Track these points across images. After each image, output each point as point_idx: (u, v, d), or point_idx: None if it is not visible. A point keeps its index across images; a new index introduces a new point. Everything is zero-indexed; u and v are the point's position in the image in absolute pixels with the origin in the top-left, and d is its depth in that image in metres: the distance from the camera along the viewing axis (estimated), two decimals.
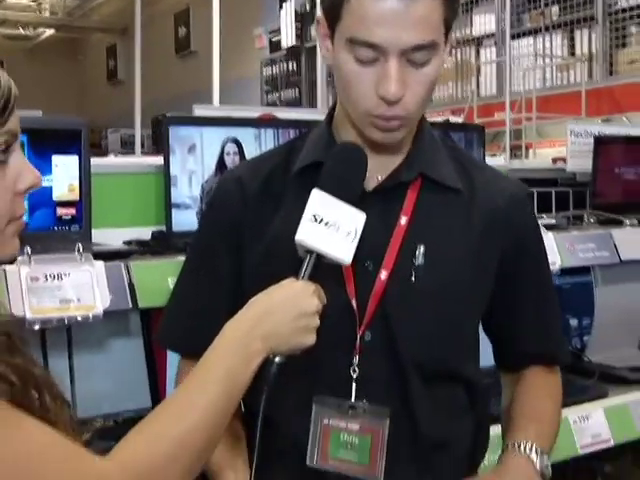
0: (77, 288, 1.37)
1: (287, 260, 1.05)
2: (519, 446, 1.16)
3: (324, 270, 1.05)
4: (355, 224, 1.05)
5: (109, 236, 1.67)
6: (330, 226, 1.04)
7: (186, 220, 1.71)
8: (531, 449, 1.16)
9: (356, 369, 1.14)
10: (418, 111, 1.13)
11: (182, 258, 1.52)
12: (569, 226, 2.24)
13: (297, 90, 9.81)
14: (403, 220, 1.16)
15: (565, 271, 2.03)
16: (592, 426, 1.79)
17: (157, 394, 1.67)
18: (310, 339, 1.01)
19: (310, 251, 1.03)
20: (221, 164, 1.77)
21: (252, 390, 0.98)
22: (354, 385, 1.14)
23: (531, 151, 6.73)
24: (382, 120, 1.10)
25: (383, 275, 1.15)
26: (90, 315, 1.37)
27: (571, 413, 1.78)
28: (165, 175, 1.72)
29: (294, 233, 1.02)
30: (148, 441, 0.86)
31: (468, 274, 1.17)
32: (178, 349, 1.26)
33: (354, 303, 1.15)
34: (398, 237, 1.15)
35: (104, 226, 1.69)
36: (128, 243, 1.65)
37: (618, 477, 2.16)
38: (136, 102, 4.63)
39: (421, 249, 1.15)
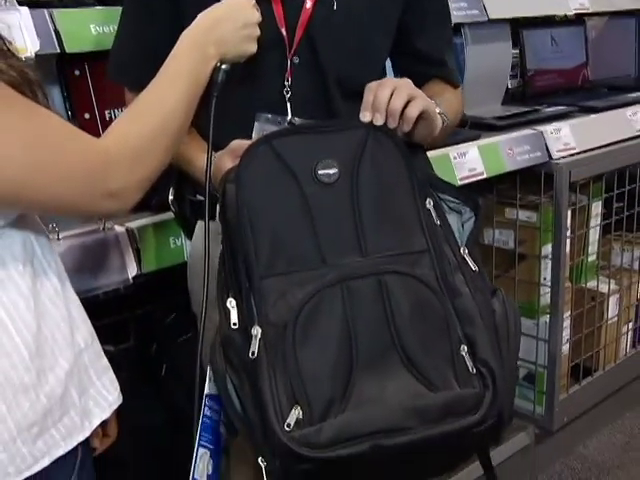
0: (7, 31, 1.42)
1: None
2: None
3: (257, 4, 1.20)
4: None
5: None
6: None
7: None
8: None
9: (289, 90, 1.31)
10: None
11: (103, 7, 1.60)
12: None
13: None
14: None
15: None
16: (469, 161, 2.04)
17: None
18: (253, 47, 1.17)
19: None
20: None
21: (200, 115, 1.13)
22: (289, 105, 1.31)
23: None
24: None
25: (308, 4, 1.30)
26: (23, 57, 1.43)
27: (451, 151, 2.02)
28: None
29: None
30: (136, 123, 1.01)
31: (381, 1, 1.34)
32: (126, 82, 1.37)
33: (284, 31, 1.30)
34: None
35: None
36: None
37: (484, 212, 2.46)
38: None
39: None
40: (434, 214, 1.23)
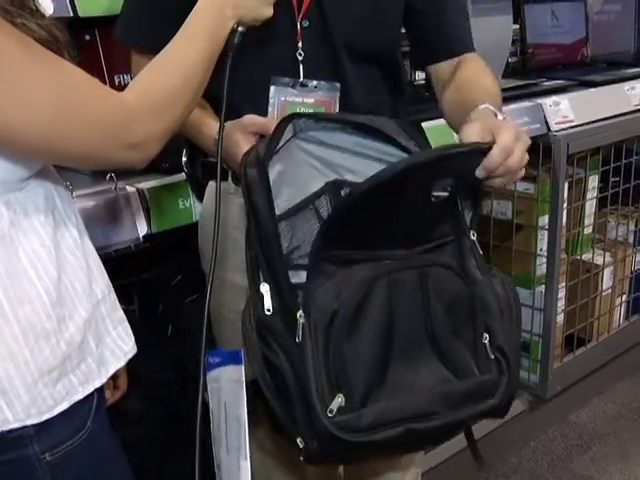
0: None
1: None
2: (485, 107, 1.24)
3: None
4: None
5: None
6: None
7: None
8: (491, 106, 1.25)
9: (301, 53, 1.34)
10: None
11: None
12: None
13: None
14: None
15: None
16: None
17: None
18: (269, 11, 1.20)
19: None
20: None
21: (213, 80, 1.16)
22: (301, 67, 1.35)
23: None
24: None
25: None
26: None
27: None
28: None
29: None
30: (158, 77, 1.04)
31: None
32: (137, 45, 1.40)
33: None
34: None
35: None
36: None
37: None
38: None
39: None
40: (460, 204, 1.24)
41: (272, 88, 1.35)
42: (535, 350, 2.54)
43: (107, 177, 1.46)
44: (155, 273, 1.89)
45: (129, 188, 1.49)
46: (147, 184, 1.52)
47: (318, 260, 1.14)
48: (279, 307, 1.15)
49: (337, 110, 1.37)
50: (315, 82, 1.35)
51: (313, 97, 1.37)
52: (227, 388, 1.21)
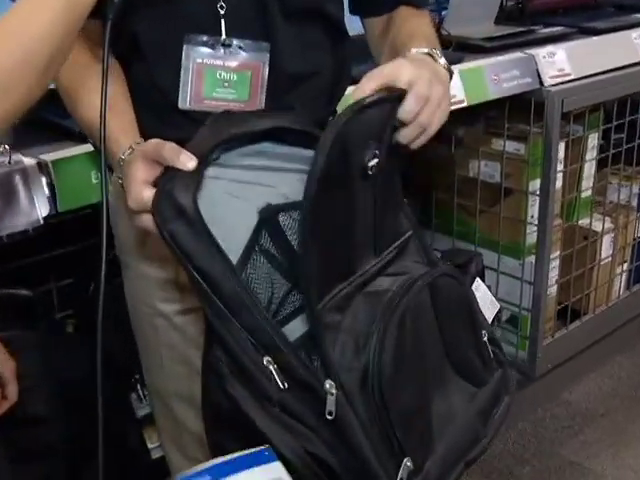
0: None
1: None
2: (424, 53, 1.10)
3: None
4: None
5: None
6: None
7: None
8: (430, 49, 1.10)
9: (223, 5, 1.10)
10: None
11: None
12: None
13: None
14: None
15: None
16: None
17: None
18: None
19: None
20: None
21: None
22: (223, 22, 1.11)
23: None
24: None
25: None
26: None
27: None
28: None
29: None
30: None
31: None
32: None
33: None
34: None
35: None
36: None
37: (470, 142, 2.28)
38: None
39: None
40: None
41: (185, 48, 1.11)
42: (524, 325, 2.33)
43: (1, 148, 1.25)
44: (85, 246, 1.68)
45: (27, 161, 1.27)
46: (52, 155, 1.30)
47: (319, 312, 0.94)
48: (294, 381, 0.92)
49: (266, 76, 1.14)
50: (239, 42, 1.12)
51: (236, 60, 1.13)
52: None
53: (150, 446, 1.58)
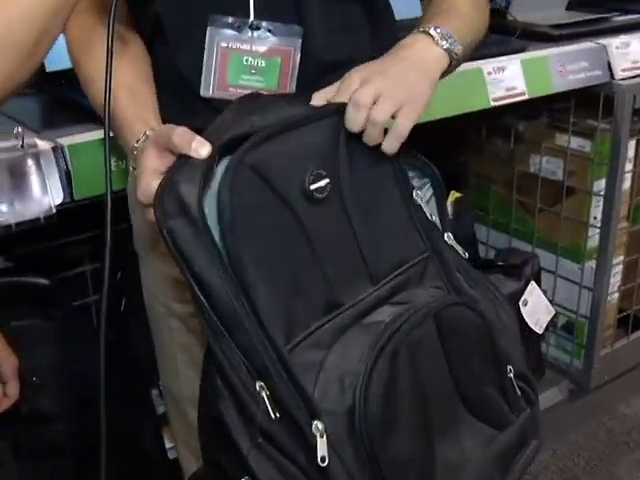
0: None
1: None
2: (422, 31, 1.01)
3: None
4: None
5: None
6: None
7: None
8: (434, 29, 1.01)
9: None
10: None
11: None
12: None
13: None
14: None
15: None
16: (507, 78, 1.70)
17: None
18: None
19: None
20: None
21: None
22: (252, 1, 1.02)
23: None
24: None
25: None
26: None
27: (485, 65, 1.68)
28: None
29: None
30: None
31: None
32: None
33: None
34: None
35: None
36: None
37: (531, 137, 2.14)
38: None
39: None
40: (424, 206, 1.01)
41: (209, 30, 1.02)
42: (580, 333, 2.19)
43: (15, 130, 1.18)
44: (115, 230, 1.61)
45: (41, 144, 1.19)
46: (69, 139, 1.22)
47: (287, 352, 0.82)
48: (285, 413, 0.82)
49: (297, 63, 1.04)
50: (269, 24, 1.03)
51: (265, 44, 1.04)
52: None
53: (168, 446, 1.51)
